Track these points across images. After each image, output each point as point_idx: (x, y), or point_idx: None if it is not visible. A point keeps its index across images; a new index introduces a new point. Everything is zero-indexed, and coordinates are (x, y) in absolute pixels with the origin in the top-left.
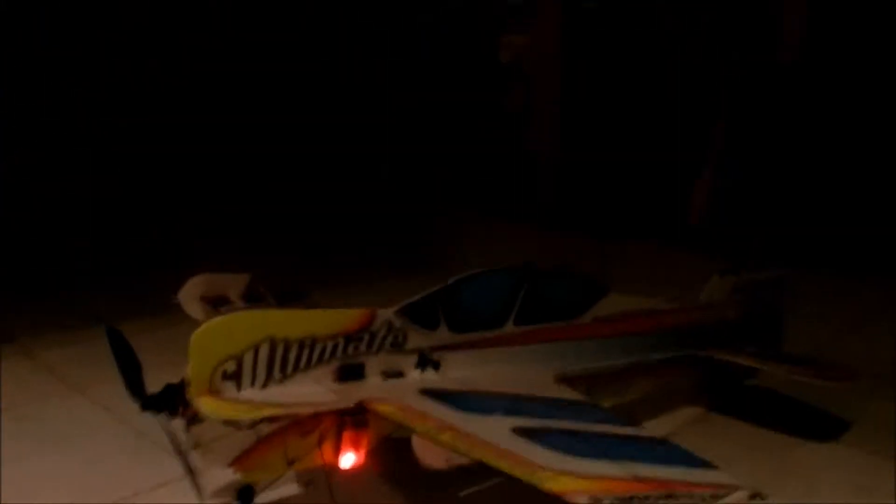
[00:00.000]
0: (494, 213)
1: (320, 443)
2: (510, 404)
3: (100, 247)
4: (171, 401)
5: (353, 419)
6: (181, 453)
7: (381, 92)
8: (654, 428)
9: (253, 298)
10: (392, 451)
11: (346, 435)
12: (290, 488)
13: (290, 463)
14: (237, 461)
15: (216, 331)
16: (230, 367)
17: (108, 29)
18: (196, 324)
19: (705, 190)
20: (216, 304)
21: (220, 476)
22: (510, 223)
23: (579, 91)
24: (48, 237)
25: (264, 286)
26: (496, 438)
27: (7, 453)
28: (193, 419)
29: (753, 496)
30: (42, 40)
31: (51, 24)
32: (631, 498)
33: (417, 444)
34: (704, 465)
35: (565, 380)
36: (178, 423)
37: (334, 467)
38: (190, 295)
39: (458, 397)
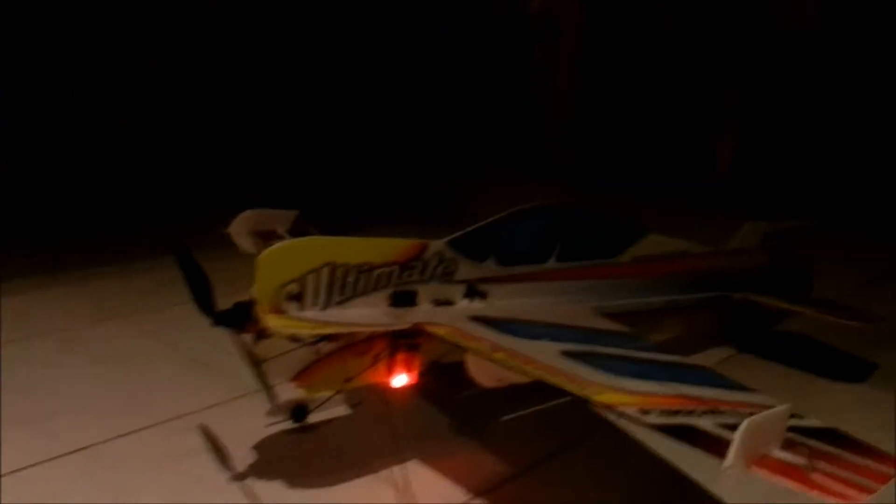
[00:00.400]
0: (522, 172)
1: (375, 363)
2: (556, 331)
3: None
4: (240, 317)
5: (407, 342)
6: (252, 364)
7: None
8: None
9: (300, 234)
10: (440, 376)
11: (399, 356)
12: (339, 409)
13: (347, 381)
14: (298, 377)
15: (282, 254)
16: (293, 288)
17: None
18: (245, 257)
19: (728, 151)
20: (265, 238)
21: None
22: (538, 181)
23: (601, 45)
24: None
25: (311, 223)
26: (547, 359)
27: (57, 370)
28: (260, 335)
29: (793, 416)
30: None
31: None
32: (677, 411)
33: (471, 363)
34: (745, 388)
35: (604, 315)
36: (246, 338)
37: (387, 386)
38: (240, 229)
39: (505, 324)
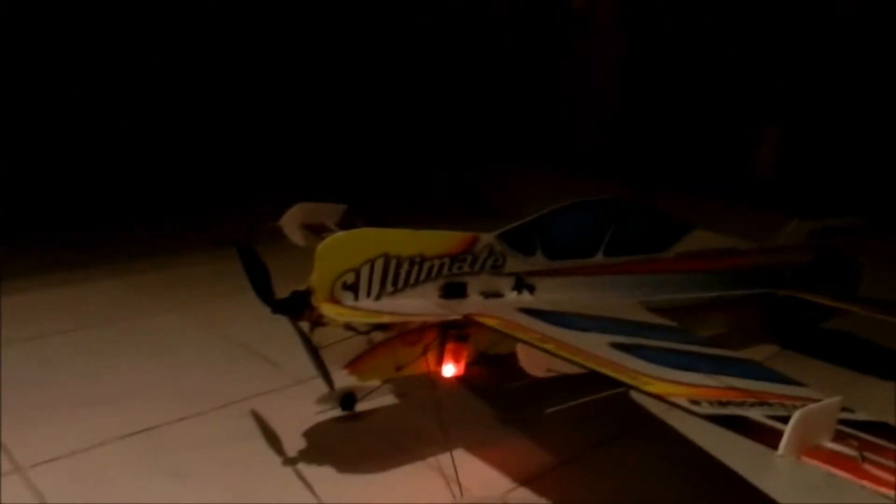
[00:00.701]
0: (556, 166)
1: (425, 352)
2: (605, 324)
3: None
4: (298, 305)
5: (456, 332)
6: (310, 348)
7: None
8: None
9: (348, 227)
10: (487, 367)
11: (449, 347)
12: (387, 398)
13: (398, 369)
14: (351, 364)
15: (340, 244)
16: (349, 278)
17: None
18: (296, 249)
19: (772, 144)
20: (314, 230)
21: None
22: (571, 177)
23: (641, 41)
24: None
25: (358, 217)
26: (596, 349)
27: (109, 360)
28: (316, 323)
29: (844, 410)
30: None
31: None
32: (727, 402)
33: (521, 353)
34: (794, 382)
35: (650, 310)
36: (303, 326)
37: (436, 376)
38: (291, 222)
39: (554, 316)
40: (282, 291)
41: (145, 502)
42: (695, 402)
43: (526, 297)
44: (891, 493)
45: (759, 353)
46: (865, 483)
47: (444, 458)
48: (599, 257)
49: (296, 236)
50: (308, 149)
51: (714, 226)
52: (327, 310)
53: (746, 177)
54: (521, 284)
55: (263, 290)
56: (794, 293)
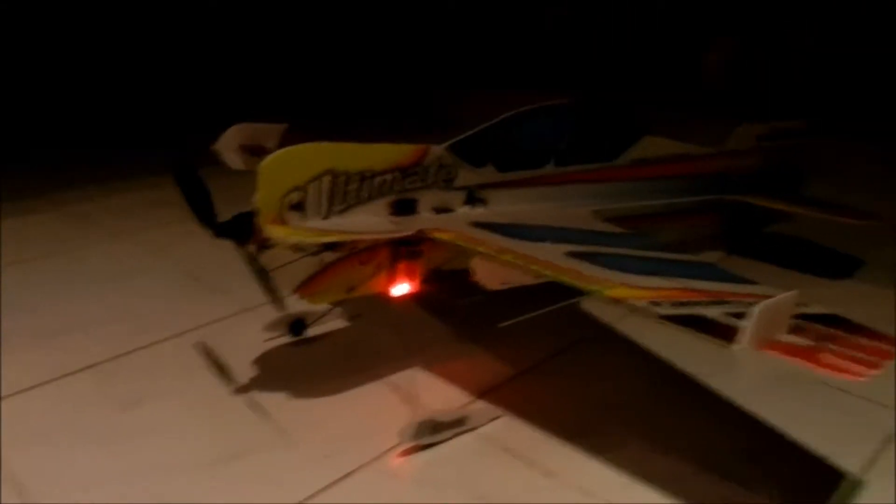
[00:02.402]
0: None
1: (377, 271)
2: (559, 233)
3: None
4: (242, 228)
5: (408, 250)
6: (258, 272)
7: None
8: None
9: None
10: (441, 283)
11: (401, 265)
12: (338, 322)
13: (350, 290)
14: (302, 287)
15: (282, 162)
16: (295, 197)
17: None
18: (233, 172)
19: (720, 59)
20: (254, 153)
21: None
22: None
23: None
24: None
25: (300, 136)
26: (554, 258)
27: (60, 290)
28: (263, 245)
29: (798, 304)
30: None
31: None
32: (687, 302)
33: (476, 267)
34: (749, 281)
35: (605, 219)
36: (250, 249)
37: (390, 294)
38: (228, 145)
39: (508, 228)
40: (227, 216)
41: (98, 436)
42: (655, 304)
43: (478, 211)
44: (848, 378)
45: (707, 258)
46: (824, 371)
47: (401, 376)
48: (551, 167)
49: (234, 159)
50: (260, 72)
51: (665, 133)
52: (273, 231)
53: (698, 86)
54: (472, 198)
55: (205, 213)
56: (743, 198)
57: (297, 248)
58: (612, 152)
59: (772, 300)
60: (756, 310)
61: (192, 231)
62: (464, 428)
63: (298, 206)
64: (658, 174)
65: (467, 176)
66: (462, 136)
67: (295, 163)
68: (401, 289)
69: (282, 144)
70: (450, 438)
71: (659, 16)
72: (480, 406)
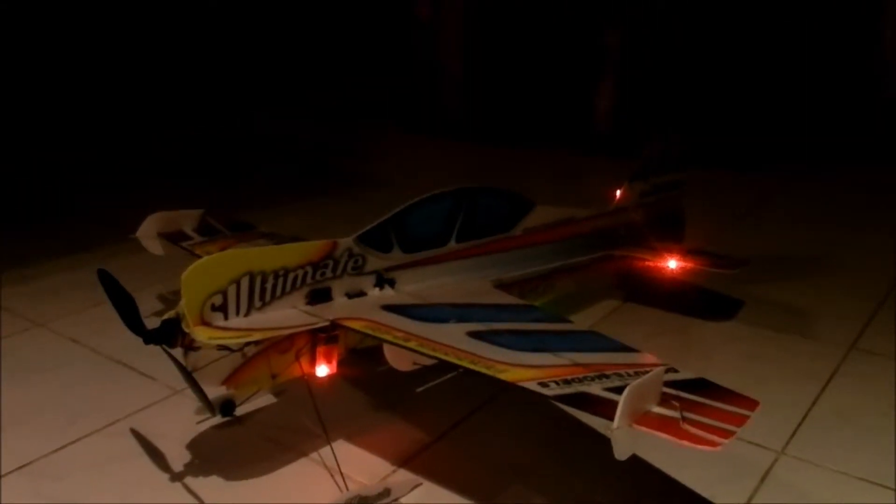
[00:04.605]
0: (409, 127)
1: (298, 358)
2: (460, 312)
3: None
4: (170, 333)
5: (326, 336)
6: (186, 375)
7: None
8: (580, 320)
9: (207, 231)
10: (358, 362)
11: (320, 349)
12: (264, 399)
13: (274, 377)
14: (229, 379)
15: (203, 270)
16: (217, 300)
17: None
18: (155, 258)
19: (607, 96)
20: (173, 239)
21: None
22: (427, 137)
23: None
24: None
25: (215, 219)
26: (455, 342)
27: None
28: (189, 347)
29: (668, 371)
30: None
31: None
32: (571, 380)
33: (388, 351)
34: (628, 349)
35: (502, 286)
36: (177, 352)
37: (311, 377)
38: (148, 232)
39: (414, 310)
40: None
41: None
42: (544, 385)
43: (388, 293)
44: (706, 449)
45: (604, 307)
46: (684, 443)
47: (326, 452)
48: (452, 244)
49: (154, 246)
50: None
51: (562, 173)
52: (199, 333)
53: (590, 130)
54: (381, 280)
55: (132, 320)
56: (627, 252)
57: (222, 347)
58: (507, 225)
59: (640, 381)
60: (626, 392)
61: (111, 314)
62: (389, 500)
63: (221, 308)
64: (550, 238)
65: (375, 261)
66: (368, 227)
67: (214, 269)
68: (321, 371)
69: (200, 228)
70: None
71: (555, 61)
72: (401, 476)
